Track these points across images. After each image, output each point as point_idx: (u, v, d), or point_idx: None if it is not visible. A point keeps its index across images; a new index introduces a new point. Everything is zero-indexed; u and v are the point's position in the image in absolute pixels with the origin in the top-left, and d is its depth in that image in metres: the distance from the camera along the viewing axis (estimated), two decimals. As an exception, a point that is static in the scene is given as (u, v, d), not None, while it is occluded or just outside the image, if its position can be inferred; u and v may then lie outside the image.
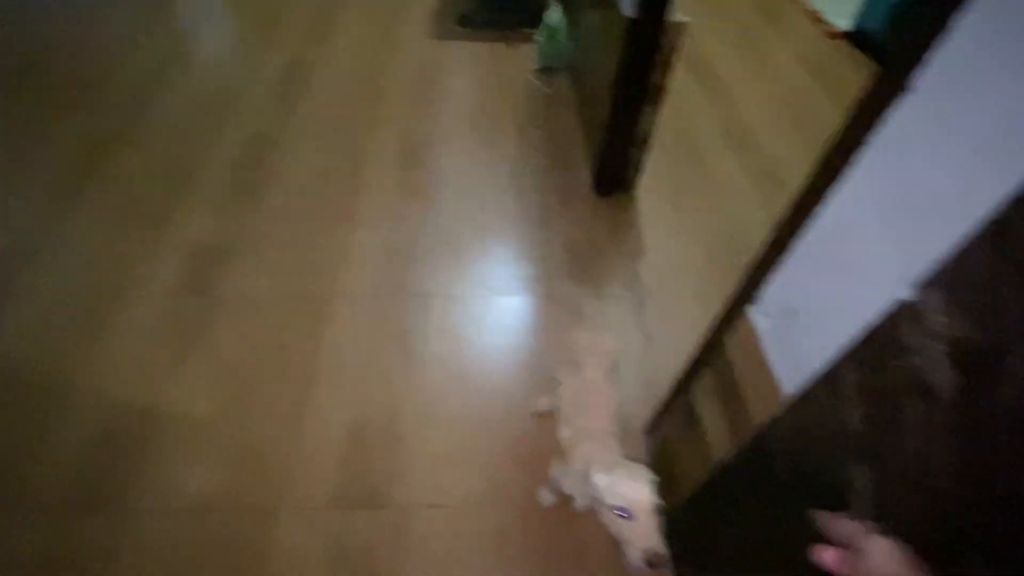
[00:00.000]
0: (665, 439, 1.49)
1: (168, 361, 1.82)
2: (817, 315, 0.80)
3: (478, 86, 2.99)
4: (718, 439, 1.14)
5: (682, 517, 1.36)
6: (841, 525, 0.53)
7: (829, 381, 0.75)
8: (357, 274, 2.09)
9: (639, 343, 1.92)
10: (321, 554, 1.45)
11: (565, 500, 1.51)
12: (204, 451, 1.62)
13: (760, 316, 0.96)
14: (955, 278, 0.54)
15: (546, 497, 1.52)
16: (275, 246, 2.17)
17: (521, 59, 3.14)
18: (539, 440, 1.66)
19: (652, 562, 0.96)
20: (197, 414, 1.69)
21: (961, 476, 0.54)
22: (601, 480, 1.06)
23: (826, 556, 0.52)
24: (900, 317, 0.62)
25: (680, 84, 3.02)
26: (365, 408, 1.74)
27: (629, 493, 1.01)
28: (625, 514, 1.00)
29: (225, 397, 1.74)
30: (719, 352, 1.14)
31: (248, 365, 1.81)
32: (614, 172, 2.37)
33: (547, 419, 1.70)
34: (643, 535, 0.98)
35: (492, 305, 2.03)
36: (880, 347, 0.65)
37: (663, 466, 1.49)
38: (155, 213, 2.27)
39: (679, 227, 2.32)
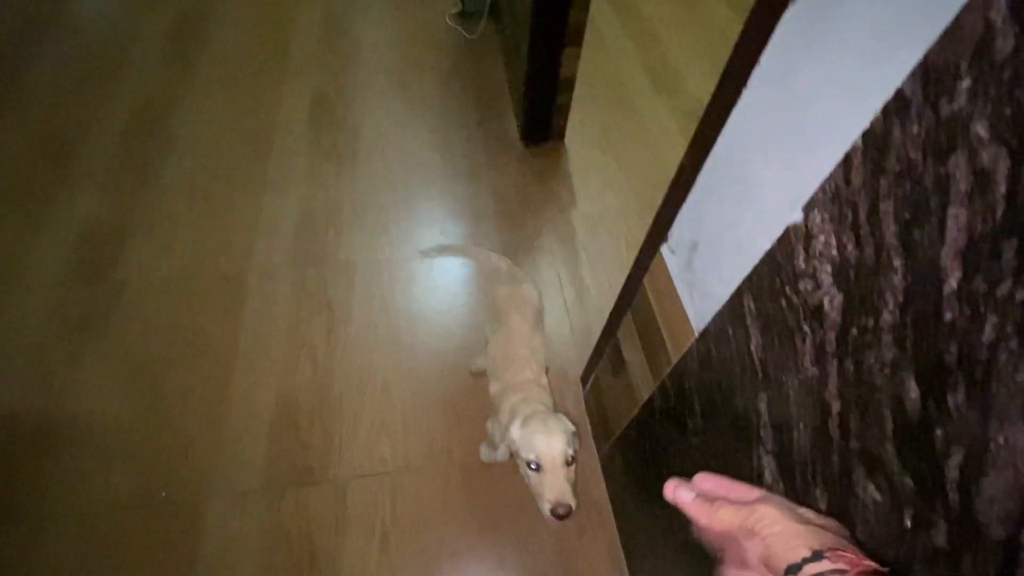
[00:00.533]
0: (598, 384, 1.50)
1: (66, 358, 1.65)
2: (718, 247, 0.78)
3: (393, 34, 2.79)
4: (643, 380, 1.15)
5: (615, 457, 1.39)
6: (721, 514, 0.50)
7: (731, 312, 0.74)
8: (271, 244, 1.95)
9: (573, 294, 1.91)
10: (256, 539, 1.39)
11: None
12: (119, 450, 1.50)
13: (668, 254, 0.94)
14: (835, 196, 0.52)
15: (484, 454, 1.51)
16: (177, 221, 1.98)
17: (438, 2, 2.94)
18: (478, 399, 1.64)
19: (558, 513, 0.97)
20: (107, 411, 1.56)
21: (846, 399, 0.53)
22: (515, 433, 1.05)
23: (680, 495, 0.52)
24: (790, 241, 0.60)
25: (605, 26, 2.93)
26: (292, 385, 1.65)
27: (540, 445, 1.00)
28: (534, 466, 1.00)
29: (137, 389, 1.60)
30: (638, 294, 1.13)
31: (158, 353, 1.68)
32: (540, 120, 2.29)
33: (485, 377, 1.68)
34: (552, 487, 0.98)
35: (421, 267, 1.96)
36: (773, 273, 0.63)
37: (599, 411, 1.51)
38: (36, 191, 2.02)
39: (609, 173, 2.29)
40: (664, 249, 0.96)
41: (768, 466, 0.72)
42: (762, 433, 0.72)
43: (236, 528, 1.40)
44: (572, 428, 1.06)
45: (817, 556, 0.37)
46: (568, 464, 1.01)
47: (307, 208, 2.06)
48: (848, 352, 0.52)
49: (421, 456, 1.54)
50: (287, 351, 1.72)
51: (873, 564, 0.36)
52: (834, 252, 0.53)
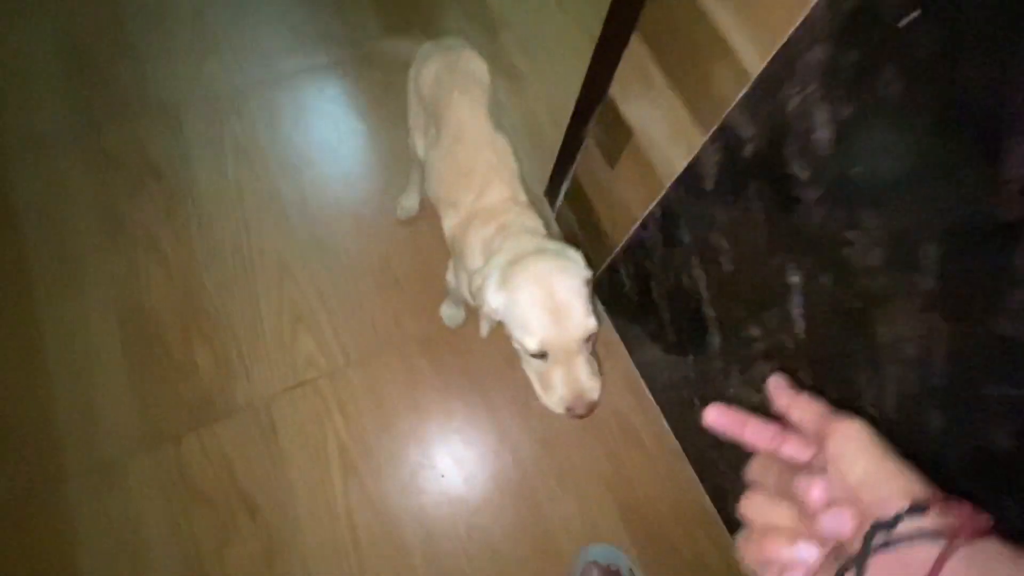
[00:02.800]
0: (579, 192, 1.09)
1: None
2: None
3: None
4: (673, 143, 0.75)
5: (617, 280, 1.05)
6: (801, 404, 0.34)
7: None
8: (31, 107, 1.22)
9: (503, 84, 1.40)
10: (160, 510, 0.97)
11: (473, 312, 1.13)
12: None
13: None
14: None
15: (449, 317, 1.12)
16: None
17: None
18: (420, 250, 1.20)
19: (577, 413, 0.64)
20: None
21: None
22: (494, 298, 0.66)
23: (720, 421, 0.36)
24: None
25: None
26: (141, 302, 1.11)
27: (540, 324, 0.62)
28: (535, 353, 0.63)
29: None
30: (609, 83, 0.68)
31: None
32: None
33: (424, 219, 1.22)
34: (566, 380, 0.63)
35: (281, 92, 1.34)
36: None
37: (585, 228, 1.13)
38: None
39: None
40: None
41: None
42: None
43: (120, 508, 0.97)
44: (586, 272, 0.67)
45: (918, 508, 0.26)
46: (588, 340, 0.64)
47: (70, 34, 1.30)
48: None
49: (362, 343, 1.12)
50: (114, 257, 1.14)
51: (990, 520, 0.25)
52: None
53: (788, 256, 0.62)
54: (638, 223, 0.90)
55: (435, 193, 0.86)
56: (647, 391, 1.12)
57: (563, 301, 0.62)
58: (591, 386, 0.63)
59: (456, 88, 0.83)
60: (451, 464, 1.05)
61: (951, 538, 0.24)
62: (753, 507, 0.32)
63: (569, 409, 0.64)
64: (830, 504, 0.29)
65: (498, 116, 0.86)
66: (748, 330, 0.74)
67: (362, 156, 1.31)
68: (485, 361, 1.13)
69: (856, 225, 0.52)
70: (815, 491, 0.28)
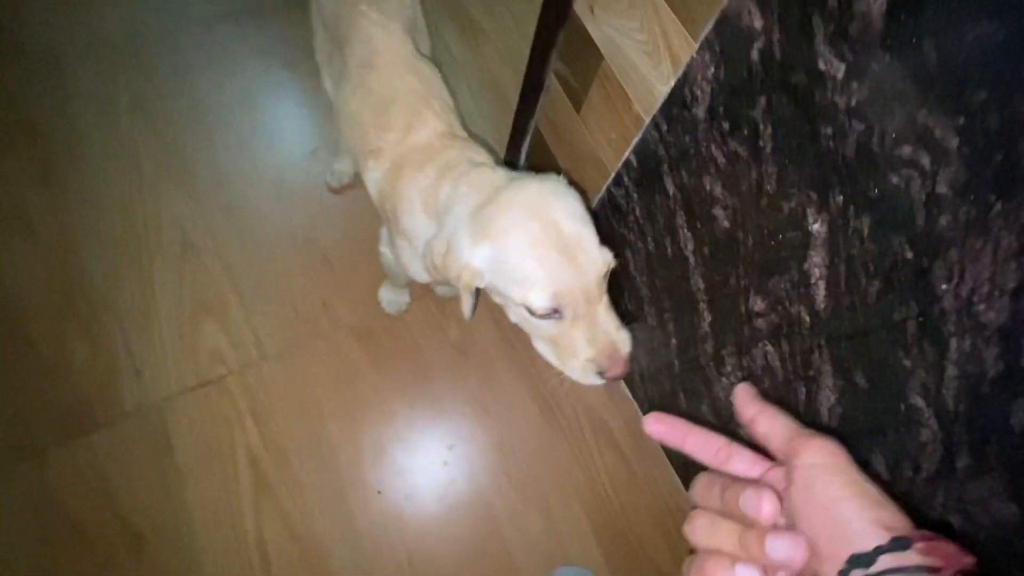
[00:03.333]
0: (540, 144, 0.92)
1: None
2: None
3: None
4: (601, 132, 0.59)
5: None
6: (769, 415, 0.31)
7: None
8: None
9: (457, 38, 1.22)
10: (16, 536, 0.77)
11: (422, 294, 0.95)
12: None
13: None
14: None
15: (389, 302, 0.94)
16: None
17: None
18: (353, 225, 1.02)
19: (614, 375, 0.51)
20: None
21: None
22: (473, 254, 0.50)
23: (656, 428, 0.32)
24: None
25: None
26: (14, 291, 0.90)
27: (547, 272, 0.48)
28: (547, 313, 0.49)
29: None
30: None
31: None
32: None
33: (360, 187, 1.04)
34: (596, 337, 0.50)
35: (202, 45, 1.13)
36: None
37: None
38: None
39: None
40: None
41: None
42: None
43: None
44: (577, 193, 0.52)
45: (900, 544, 0.24)
46: (606, 278, 0.51)
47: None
48: None
49: (282, 333, 0.93)
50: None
51: (972, 558, 0.23)
52: None
53: (808, 196, 0.46)
54: (610, 179, 0.74)
55: (350, 142, 0.68)
56: (623, 384, 0.97)
57: (570, 233, 0.48)
58: (623, 336, 0.51)
59: (362, 1, 0.65)
60: (390, 477, 0.87)
61: None
62: (696, 529, 0.29)
63: (603, 372, 0.51)
64: (782, 527, 0.27)
65: (417, 42, 0.69)
66: (749, 303, 0.58)
67: (287, 113, 1.11)
68: (434, 352, 0.95)
69: (916, 137, 0.36)
70: (765, 506, 0.26)
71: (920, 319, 0.41)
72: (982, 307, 0.37)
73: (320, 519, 0.83)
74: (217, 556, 0.79)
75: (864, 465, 0.33)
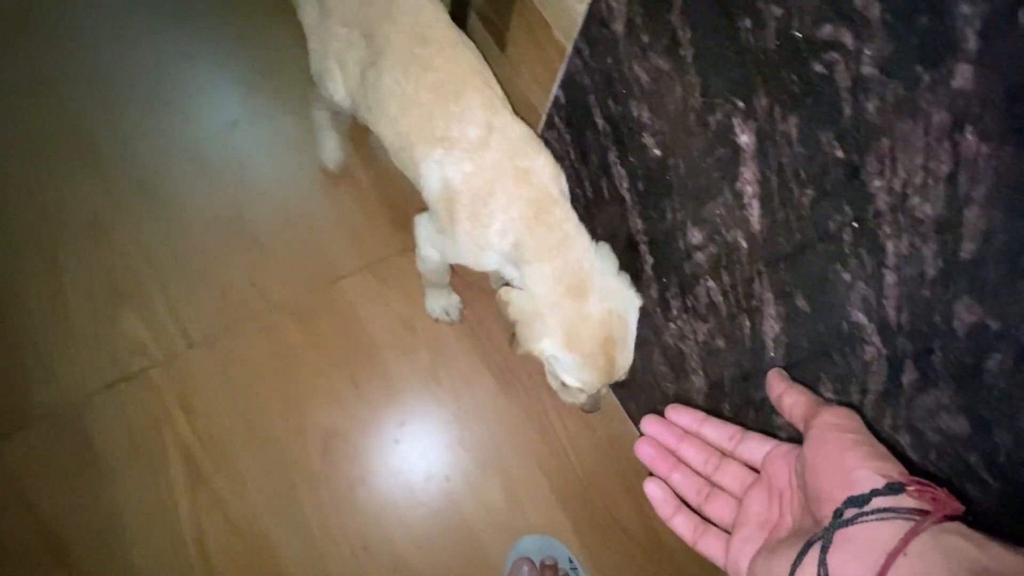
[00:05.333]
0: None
1: None
2: None
3: None
4: (527, 68, 0.54)
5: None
6: (795, 392, 0.36)
7: None
8: None
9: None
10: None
11: (365, 262, 0.90)
12: None
13: None
14: None
15: (436, 309, 0.90)
16: None
17: None
18: (283, 200, 0.95)
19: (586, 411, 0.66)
20: None
21: None
22: (559, 354, 0.58)
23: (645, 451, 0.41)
24: None
25: None
26: None
27: (599, 380, 0.59)
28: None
29: None
30: None
31: None
32: None
33: (281, 158, 0.97)
34: (593, 400, 0.64)
35: (81, 30, 1.03)
36: None
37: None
38: None
39: None
40: None
41: None
42: None
43: None
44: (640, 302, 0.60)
45: (893, 488, 0.26)
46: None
47: None
48: None
49: (210, 318, 0.86)
50: None
51: (961, 505, 0.26)
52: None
53: (734, 104, 0.42)
54: (543, 123, 0.69)
55: (397, 131, 0.61)
56: (579, 345, 0.93)
57: (619, 341, 0.57)
58: (606, 392, 0.64)
59: None
60: (338, 460, 0.82)
61: (921, 518, 0.24)
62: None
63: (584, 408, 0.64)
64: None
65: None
66: (687, 237, 0.54)
67: (204, 83, 1.03)
68: (379, 327, 0.90)
69: (836, 11, 0.32)
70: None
71: (855, 224, 0.38)
72: (917, 200, 0.33)
73: (264, 511, 0.78)
74: (152, 558, 0.73)
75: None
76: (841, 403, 0.46)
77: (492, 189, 0.55)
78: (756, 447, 0.37)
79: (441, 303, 0.88)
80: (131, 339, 0.83)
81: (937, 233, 0.33)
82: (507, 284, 0.61)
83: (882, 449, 0.29)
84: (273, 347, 0.86)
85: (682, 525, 0.37)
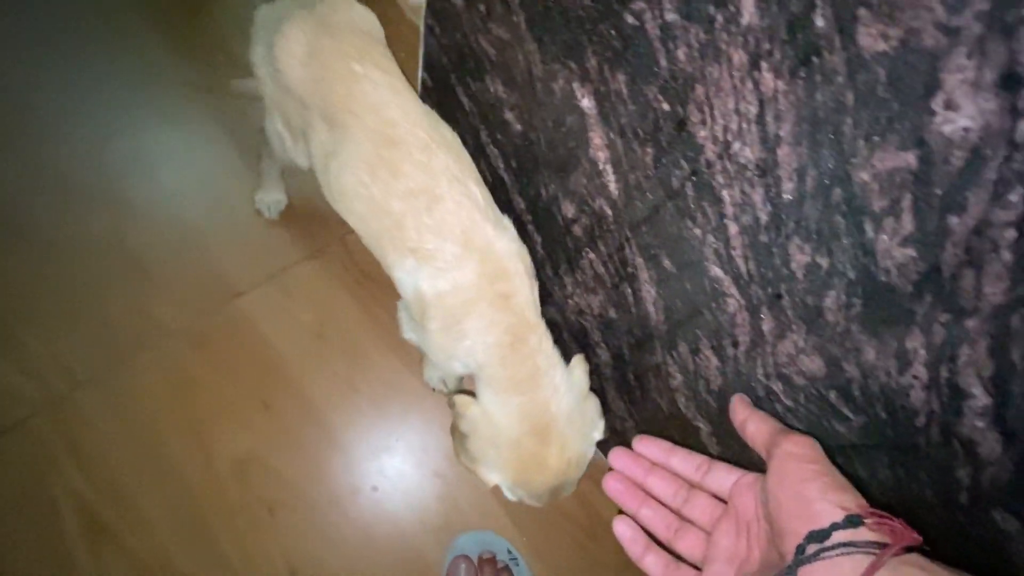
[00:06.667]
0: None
1: None
2: None
3: None
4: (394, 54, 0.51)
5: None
6: (757, 419, 0.38)
7: None
8: None
9: None
10: None
11: (265, 275, 0.85)
12: None
13: None
14: None
15: (434, 379, 0.85)
16: None
17: None
18: (169, 222, 0.88)
19: None
20: None
21: None
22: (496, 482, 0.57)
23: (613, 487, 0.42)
24: None
25: None
26: None
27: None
28: None
29: None
30: None
31: None
32: None
33: (158, 178, 0.90)
34: None
35: None
36: None
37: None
38: None
39: None
40: None
41: None
42: None
43: None
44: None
45: (853, 521, 0.27)
46: None
47: None
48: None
49: (96, 353, 0.79)
50: None
51: (918, 536, 0.26)
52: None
53: (569, 68, 0.41)
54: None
55: (366, 230, 0.56)
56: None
57: (568, 485, 0.55)
58: None
59: (351, 58, 0.52)
60: (255, 486, 0.77)
61: (881, 552, 0.25)
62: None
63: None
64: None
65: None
66: (562, 210, 0.53)
67: (74, 96, 0.94)
68: (286, 342, 0.85)
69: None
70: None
71: (693, 178, 0.37)
72: (738, 145, 0.33)
73: (178, 552, 0.72)
74: (53, 625, 0.67)
75: (694, 353, 0.45)
76: (717, 354, 0.46)
77: (468, 310, 0.51)
78: (723, 477, 0.38)
79: (439, 372, 0.84)
80: (4, 388, 0.76)
81: (760, 177, 0.33)
82: (462, 391, 0.58)
83: (841, 479, 0.30)
84: (169, 377, 0.80)
85: (653, 564, 0.38)
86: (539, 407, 0.52)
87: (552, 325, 0.72)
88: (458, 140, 0.56)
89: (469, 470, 0.56)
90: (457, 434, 0.57)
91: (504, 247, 0.52)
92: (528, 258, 0.54)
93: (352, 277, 0.90)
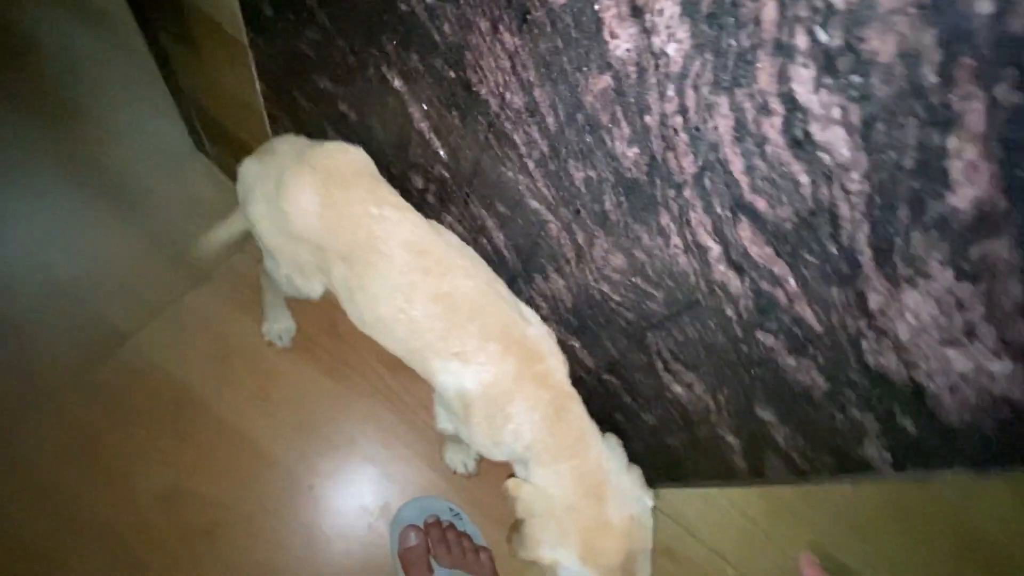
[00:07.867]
0: (208, 130, 0.84)
1: None
2: None
3: None
4: (227, 69, 0.55)
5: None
6: None
7: None
8: None
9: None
10: None
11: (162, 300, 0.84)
12: None
13: None
14: None
15: (456, 462, 0.87)
16: None
17: None
18: (39, 264, 0.85)
19: None
20: None
21: None
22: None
23: None
24: None
25: None
26: None
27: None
28: None
29: None
30: None
31: None
32: None
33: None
34: None
35: None
36: None
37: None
38: None
39: None
40: None
41: None
42: None
43: None
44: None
45: None
46: None
47: None
48: None
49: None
50: None
51: None
52: None
53: (373, 54, 0.47)
54: (267, 121, 0.70)
55: (408, 348, 0.57)
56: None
57: (640, 556, 0.55)
58: None
59: (367, 203, 0.54)
60: (186, 517, 0.78)
61: None
62: None
63: None
64: None
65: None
66: (413, 183, 0.60)
67: None
68: (189, 371, 0.85)
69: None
70: None
71: (492, 129, 0.45)
72: (508, 95, 0.41)
73: None
74: None
75: (546, 280, 0.46)
76: (560, 274, 0.55)
77: (511, 396, 0.54)
78: None
79: (460, 456, 0.86)
80: None
81: (532, 116, 0.41)
82: (512, 475, 0.59)
83: None
84: (67, 432, 0.78)
85: None
86: (591, 466, 0.54)
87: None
88: (468, 248, 0.60)
89: (533, 561, 0.55)
90: (513, 532, 0.58)
91: (535, 332, 0.57)
92: (553, 335, 0.60)
93: (245, 296, 0.91)
